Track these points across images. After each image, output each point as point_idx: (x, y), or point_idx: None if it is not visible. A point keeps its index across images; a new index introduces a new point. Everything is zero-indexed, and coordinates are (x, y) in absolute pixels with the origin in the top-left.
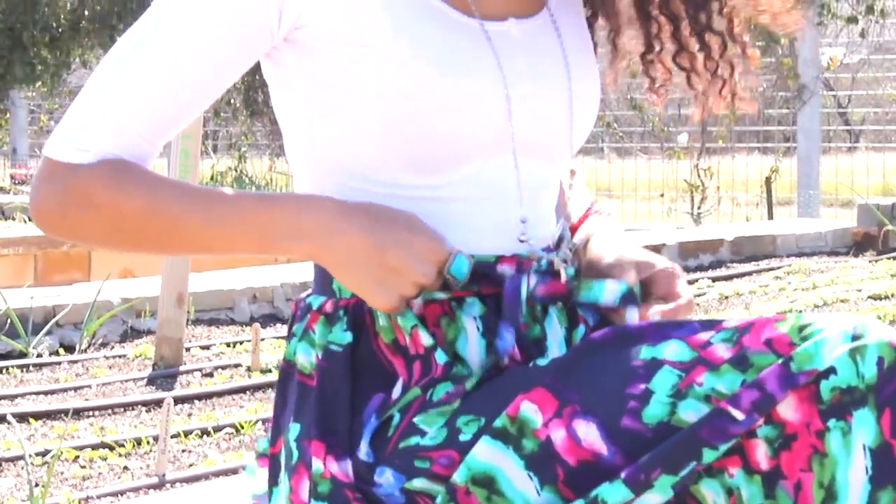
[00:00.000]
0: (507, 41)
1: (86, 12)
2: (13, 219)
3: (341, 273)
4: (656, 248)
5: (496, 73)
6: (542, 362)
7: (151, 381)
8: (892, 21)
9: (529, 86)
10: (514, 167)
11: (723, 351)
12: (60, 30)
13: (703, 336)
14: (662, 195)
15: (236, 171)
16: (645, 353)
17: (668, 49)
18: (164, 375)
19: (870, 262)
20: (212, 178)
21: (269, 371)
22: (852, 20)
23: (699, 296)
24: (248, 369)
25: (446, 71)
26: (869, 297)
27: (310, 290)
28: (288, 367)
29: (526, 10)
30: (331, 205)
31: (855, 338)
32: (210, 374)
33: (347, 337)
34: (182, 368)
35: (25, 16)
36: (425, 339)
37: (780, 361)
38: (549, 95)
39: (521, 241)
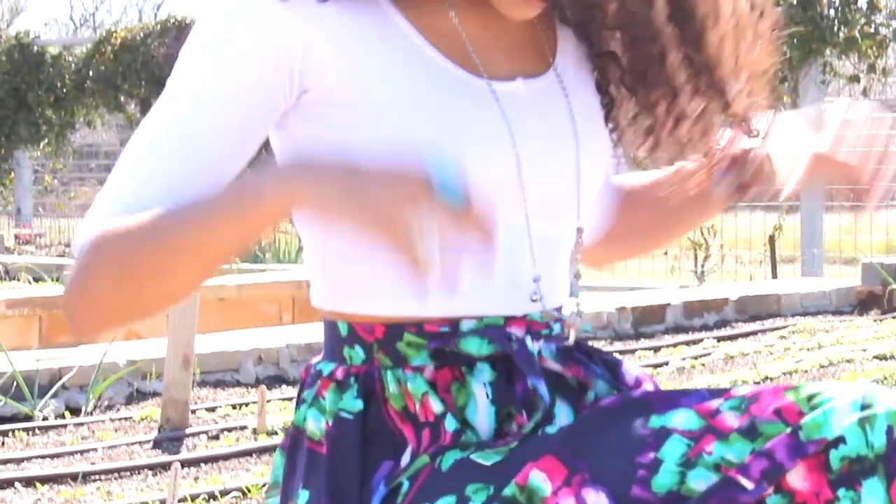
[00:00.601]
0: (515, 101)
1: (90, 72)
2: (18, 279)
3: (322, 199)
4: (661, 308)
5: (506, 134)
6: (550, 430)
7: (157, 443)
8: (894, 80)
9: (539, 145)
10: (525, 226)
11: (732, 420)
12: (65, 90)
13: (712, 404)
14: (666, 253)
15: None
16: (654, 421)
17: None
18: (170, 438)
19: (874, 321)
20: None
21: (275, 433)
22: (854, 79)
23: (704, 356)
24: (255, 431)
25: (456, 132)
26: (874, 356)
27: (319, 356)
28: (297, 433)
29: (533, 71)
30: (297, 162)
31: (864, 407)
32: (216, 437)
33: (358, 405)
34: (188, 431)
35: (30, 76)
36: (435, 405)
37: (789, 430)
38: (559, 155)
39: (534, 301)
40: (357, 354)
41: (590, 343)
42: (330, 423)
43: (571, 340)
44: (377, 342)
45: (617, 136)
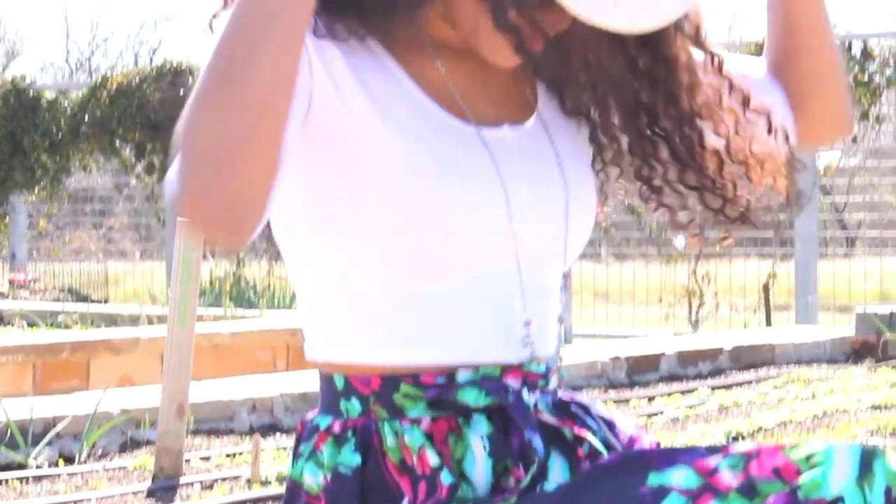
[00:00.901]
0: (503, 147)
1: (86, 117)
2: (12, 325)
3: None
4: (655, 357)
5: (496, 178)
6: (549, 487)
7: (151, 493)
8: (886, 128)
9: (528, 190)
10: (516, 271)
11: (730, 478)
12: (60, 134)
13: (710, 462)
14: (661, 300)
15: (234, 276)
16: (652, 479)
17: (672, 170)
18: (163, 488)
19: (868, 370)
20: (210, 283)
21: (269, 483)
22: None
23: (698, 405)
24: (248, 481)
25: (448, 177)
26: (869, 407)
27: (315, 410)
28: (294, 488)
29: (518, 117)
30: None
31: (863, 467)
32: (210, 487)
33: (356, 459)
34: (182, 480)
35: (26, 120)
36: (432, 458)
37: (787, 490)
38: (548, 200)
39: (525, 346)
40: (354, 407)
41: (584, 392)
42: (328, 478)
43: (552, 386)
44: (374, 394)
45: (604, 177)
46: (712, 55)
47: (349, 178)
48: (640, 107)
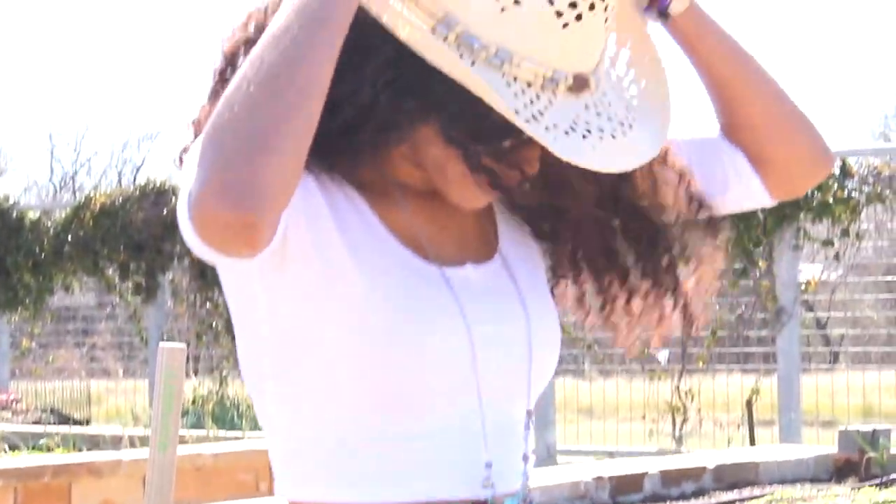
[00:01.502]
0: (466, 286)
1: (69, 237)
2: None
3: None
4: (639, 477)
5: (459, 319)
6: None
7: None
8: (867, 244)
9: (491, 328)
10: (478, 409)
11: None
12: (44, 255)
13: None
14: (644, 417)
15: (218, 394)
16: None
17: (621, 295)
18: None
19: (852, 489)
20: (193, 402)
21: None
22: (828, 243)
23: None
24: None
25: (411, 319)
26: None
27: None
28: None
29: (481, 256)
30: None
31: None
32: None
33: None
34: None
35: (9, 241)
36: None
37: None
38: (511, 337)
39: (485, 488)
40: None
41: None
42: None
43: None
44: None
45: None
46: (680, 174)
47: (314, 319)
48: (610, 229)
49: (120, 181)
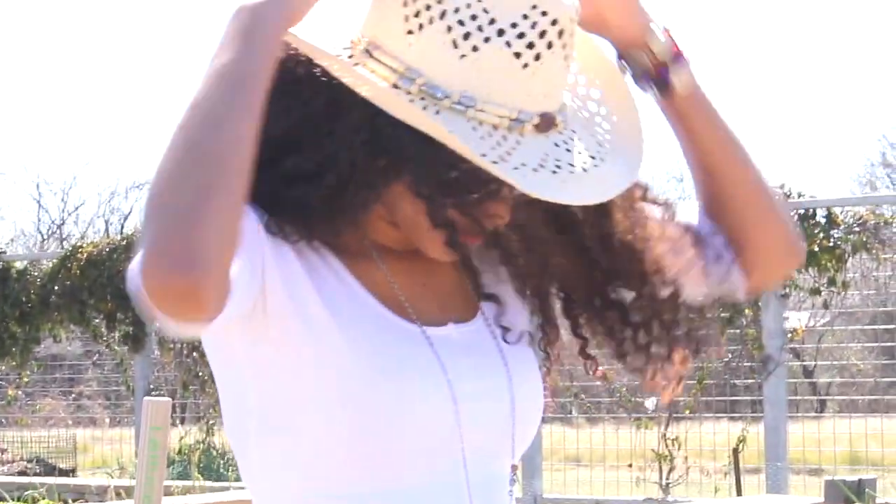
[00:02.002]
0: (448, 344)
1: (56, 287)
2: None
3: None
4: None
5: (441, 378)
6: None
7: None
8: (854, 292)
9: (473, 386)
10: (462, 466)
11: None
12: (31, 305)
13: None
14: (631, 465)
15: (204, 443)
16: None
17: (600, 335)
18: None
19: None
20: (179, 452)
21: None
22: (815, 292)
23: None
24: None
25: (393, 378)
26: None
27: None
28: None
29: (463, 316)
30: None
31: None
32: None
33: None
34: None
35: None
36: None
37: None
38: (493, 393)
39: None
40: None
41: None
42: None
43: None
44: None
45: (551, 364)
46: (665, 204)
47: (297, 383)
48: (593, 281)
49: (107, 230)
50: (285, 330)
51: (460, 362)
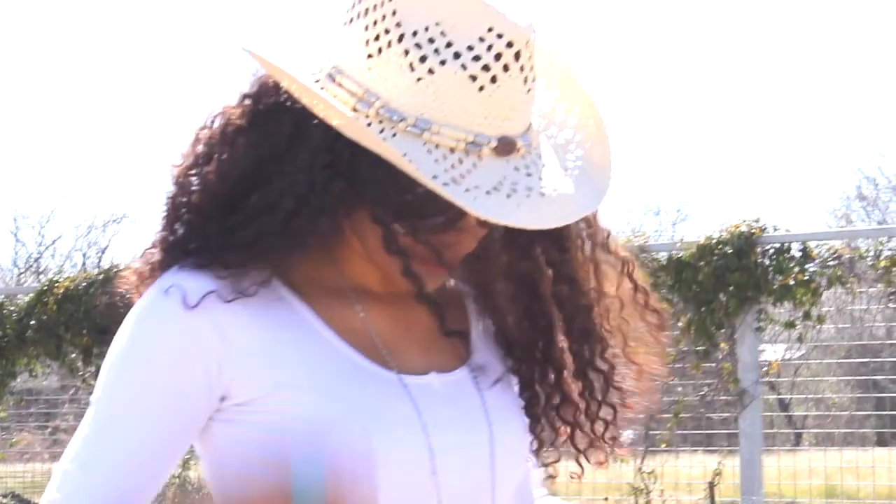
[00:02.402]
0: (428, 394)
1: (32, 322)
2: None
3: None
4: None
5: (417, 427)
6: None
7: None
8: (829, 325)
9: (452, 437)
10: None
11: None
12: (6, 340)
13: None
14: (606, 499)
15: (179, 477)
16: None
17: (554, 400)
18: None
19: None
20: None
21: None
22: (790, 325)
23: None
24: None
25: (366, 422)
26: None
27: None
28: None
29: (446, 365)
30: None
31: None
32: None
33: None
34: None
35: None
36: None
37: None
38: (472, 446)
39: None
40: None
41: None
42: None
43: None
44: None
45: (540, 427)
46: (623, 261)
47: (269, 432)
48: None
49: (85, 264)
50: (254, 397)
51: (440, 413)
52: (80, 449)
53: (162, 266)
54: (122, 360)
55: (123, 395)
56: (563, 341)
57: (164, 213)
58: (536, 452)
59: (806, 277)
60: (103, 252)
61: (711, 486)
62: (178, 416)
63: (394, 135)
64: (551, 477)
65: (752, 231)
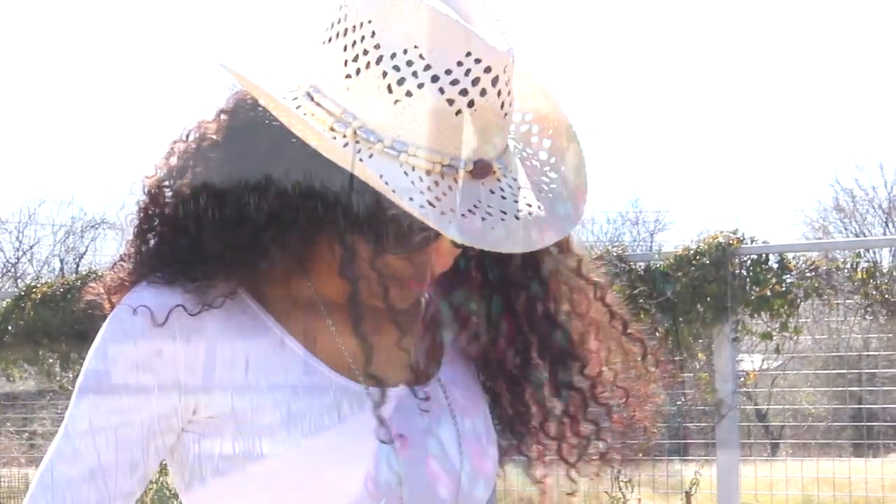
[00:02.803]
0: (395, 407)
1: (9, 327)
2: None
3: None
4: None
5: (384, 436)
6: None
7: None
8: (806, 336)
9: (419, 450)
10: None
11: None
12: None
13: None
14: None
15: (157, 482)
16: None
17: (526, 416)
18: None
19: None
20: None
21: None
22: (767, 336)
23: None
24: None
25: (331, 434)
26: None
27: None
28: None
29: (418, 380)
30: None
31: None
32: None
33: None
34: None
35: None
36: None
37: None
38: (440, 459)
39: None
40: None
41: None
42: None
43: None
44: None
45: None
46: (595, 285)
47: (237, 444)
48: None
49: (62, 269)
50: (222, 410)
51: (407, 425)
52: (45, 473)
53: (132, 279)
54: (95, 380)
55: (94, 416)
56: (537, 360)
57: (136, 224)
58: (525, 465)
59: (783, 289)
60: (81, 257)
61: (688, 495)
62: (153, 432)
63: (370, 156)
64: (542, 493)
65: (730, 242)
